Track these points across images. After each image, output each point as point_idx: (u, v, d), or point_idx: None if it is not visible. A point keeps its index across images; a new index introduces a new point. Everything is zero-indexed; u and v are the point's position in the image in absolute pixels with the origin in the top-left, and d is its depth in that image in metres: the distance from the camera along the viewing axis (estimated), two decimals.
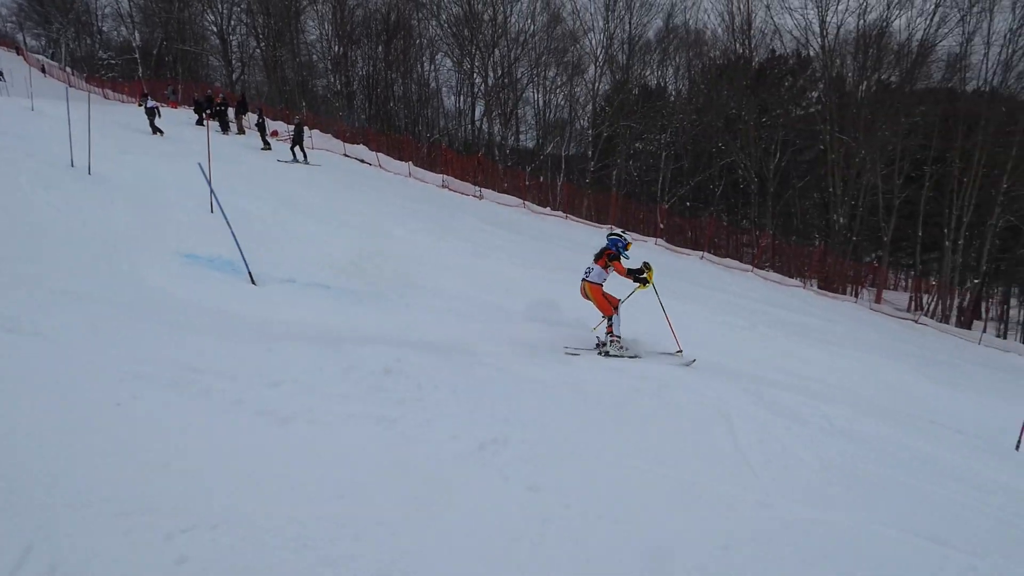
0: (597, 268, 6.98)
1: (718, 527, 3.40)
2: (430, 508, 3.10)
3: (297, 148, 18.19)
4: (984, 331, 24.41)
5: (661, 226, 25.88)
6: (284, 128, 23.21)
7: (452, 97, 35.32)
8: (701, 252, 21.28)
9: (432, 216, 15.36)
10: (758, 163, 28.50)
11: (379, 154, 23.02)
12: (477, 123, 33.01)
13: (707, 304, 13.51)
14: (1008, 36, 24.68)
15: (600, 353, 6.87)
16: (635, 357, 6.88)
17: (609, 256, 6.96)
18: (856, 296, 24.34)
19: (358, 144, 24.26)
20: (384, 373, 4.65)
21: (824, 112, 26.47)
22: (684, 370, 6.38)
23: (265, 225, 10.01)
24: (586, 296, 7.08)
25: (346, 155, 22.58)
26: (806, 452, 4.77)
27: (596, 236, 20.97)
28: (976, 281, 26.77)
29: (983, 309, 31.47)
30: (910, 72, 27.18)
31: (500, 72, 30.91)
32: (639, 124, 30.18)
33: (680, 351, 7.37)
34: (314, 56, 36.40)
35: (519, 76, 31.42)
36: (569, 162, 32.37)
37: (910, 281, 29.81)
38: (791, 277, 23.55)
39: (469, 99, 32.93)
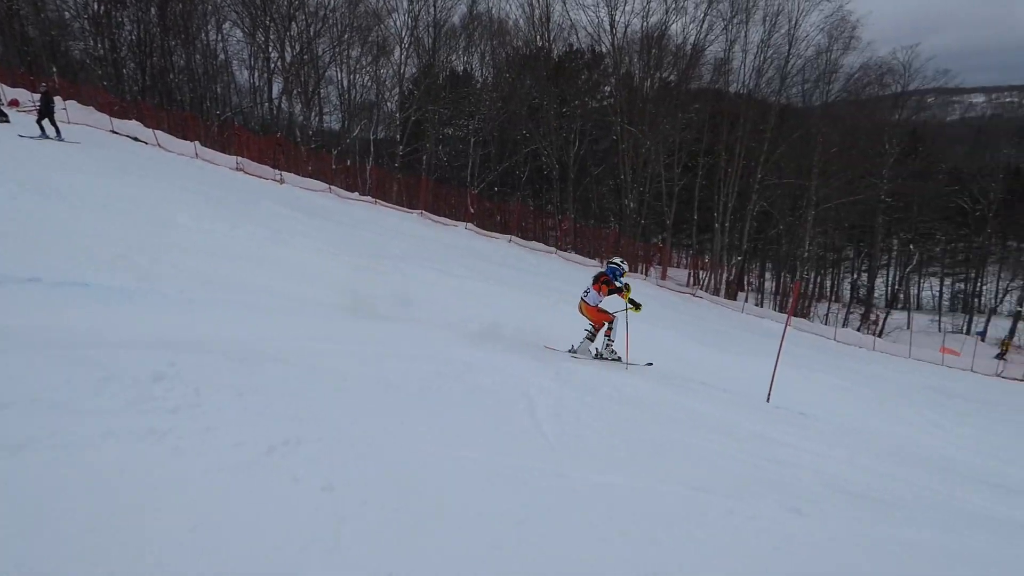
0: (593, 292, 8.09)
1: (515, 503, 3.44)
2: (206, 525, 2.74)
3: (46, 121, 15.41)
4: (746, 301, 28.46)
5: (471, 211, 26.37)
6: (28, 97, 19.58)
7: (245, 72, 32.38)
8: (509, 236, 22.02)
9: (224, 201, 13.97)
10: (559, 151, 30.18)
11: (157, 132, 20.33)
12: (275, 102, 30.67)
13: (513, 285, 14.01)
14: (759, 46, 28.77)
15: (596, 357, 8.18)
16: (617, 360, 8.21)
17: (605, 282, 8.09)
18: (646, 274, 26.98)
19: (130, 120, 21.21)
20: (153, 380, 4.05)
21: (616, 105, 28.73)
22: (488, 352, 6.48)
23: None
24: (583, 313, 8.20)
25: (115, 132, 19.67)
26: (597, 421, 5.08)
27: (407, 221, 20.80)
28: (739, 258, 31.02)
29: (745, 282, 36.68)
30: (685, 72, 30.49)
31: (298, 48, 28.98)
32: (448, 109, 30.34)
33: (650, 363, 8.57)
34: (66, 13, 31.01)
35: (320, 53, 29.76)
36: (378, 146, 31.49)
37: (688, 259, 33.77)
38: (591, 258, 25.39)
39: (265, 75, 30.42)
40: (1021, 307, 43.30)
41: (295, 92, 29.41)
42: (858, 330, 29.66)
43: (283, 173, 20.72)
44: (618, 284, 8.22)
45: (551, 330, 9.93)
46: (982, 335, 36.18)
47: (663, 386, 7.34)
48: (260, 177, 19.87)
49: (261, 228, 11.80)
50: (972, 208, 41.98)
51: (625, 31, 29.42)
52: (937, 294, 51.34)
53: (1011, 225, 48.23)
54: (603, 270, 8.40)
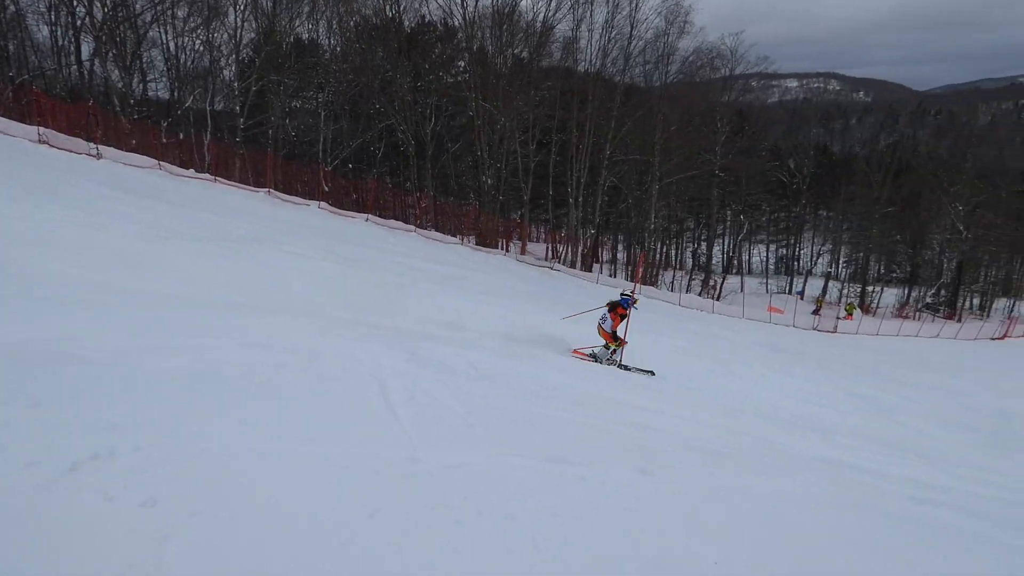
0: (610, 319, 9.95)
1: (367, 494, 3.35)
2: None
3: None
4: (600, 272, 30.02)
5: (326, 189, 25.26)
6: None
7: (45, 29, 28.04)
8: (366, 215, 21.39)
9: (24, 179, 12.17)
10: (415, 126, 29.68)
11: None
12: (87, 65, 26.91)
13: (374, 265, 13.69)
14: (604, 27, 29.99)
15: (595, 359, 9.91)
16: (612, 364, 9.85)
17: (620, 315, 9.96)
18: (506, 249, 27.49)
19: None
20: None
21: (471, 81, 28.67)
22: (338, 339, 6.27)
23: None
24: (600, 336, 10.10)
25: None
26: (453, 400, 5.12)
27: (252, 200, 19.44)
28: (593, 231, 32.53)
29: (600, 254, 38.59)
30: (537, 50, 31.09)
31: (110, 4, 25.51)
32: (293, 80, 28.60)
33: (652, 372, 9.89)
34: None
35: (139, 12, 26.50)
36: (216, 118, 28.96)
37: (546, 234, 34.84)
38: (451, 235, 25.38)
39: (71, 33, 26.55)
40: (831, 269, 49.53)
41: (110, 54, 26.03)
42: (699, 295, 32.42)
43: (100, 147, 18.46)
44: (637, 311, 10.38)
45: (413, 311, 9.84)
46: (801, 294, 41.04)
47: (522, 361, 7.55)
48: (71, 151, 17.55)
49: (74, 211, 10.43)
50: (790, 182, 47.22)
51: (476, 4, 29.37)
52: (764, 259, 57.33)
53: (821, 196, 54.91)
54: (618, 300, 10.24)
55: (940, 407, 12.83)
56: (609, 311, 10.03)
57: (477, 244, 25.08)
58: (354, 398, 4.74)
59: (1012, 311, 41.35)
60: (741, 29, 33.86)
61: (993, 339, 30.93)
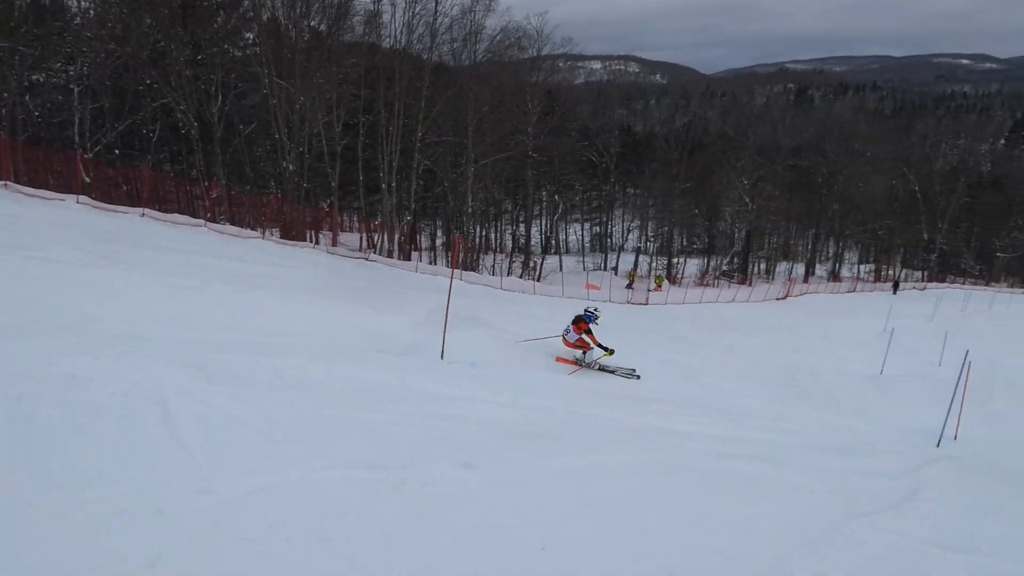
0: (572, 332, 11.47)
1: (146, 540, 2.95)
2: None
3: None
4: (420, 260, 29.90)
5: (87, 180, 22.11)
6: None
7: None
8: (142, 209, 19.06)
9: None
10: (198, 106, 27.02)
11: None
12: None
13: (154, 267, 12.21)
14: (407, 1, 29.55)
15: (578, 364, 11.61)
16: (601, 370, 11.60)
17: (584, 330, 11.38)
18: (316, 242, 26.25)
19: None
20: None
21: (262, 55, 26.68)
22: (106, 358, 5.44)
23: None
24: (566, 347, 11.67)
25: None
26: (254, 416, 4.70)
27: None
28: (409, 218, 32.22)
29: (418, 241, 38.44)
30: (336, 22, 29.78)
31: None
32: (33, 48, 24.50)
33: (636, 374, 11.73)
34: None
35: None
36: None
37: (359, 223, 33.92)
38: (250, 228, 23.64)
39: None
40: (640, 244, 54.13)
41: None
42: (520, 277, 33.67)
43: None
44: (597, 327, 11.80)
45: (204, 317, 8.95)
46: (615, 269, 44.38)
47: (335, 362, 7.20)
48: None
49: None
50: (599, 161, 50.73)
51: None
52: (580, 237, 61.07)
53: (628, 175, 59.71)
54: (581, 315, 11.76)
55: (738, 365, 14.58)
56: (572, 324, 11.58)
57: (282, 237, 23.62)
58: (128, 429, 4.13)
59: (791, 273, 48.48)
60: (545, 9, 35.05)
61: (778, 299, 35.94)
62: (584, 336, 11.48)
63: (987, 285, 54.25)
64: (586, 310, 12.05)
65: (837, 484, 5.83)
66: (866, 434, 10.11)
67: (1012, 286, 55.32)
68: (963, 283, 53.68)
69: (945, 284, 51.09)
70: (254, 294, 11.67)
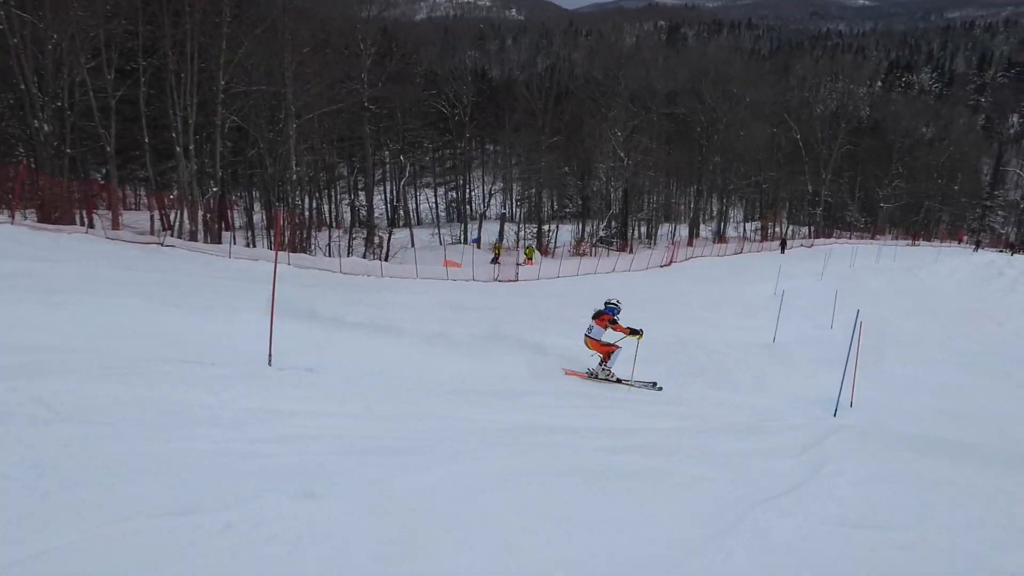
0: (596, 327, 12.04)
1: None
2: None
3: None
4: (234, 242, 28.38)
5: None
6: None
7: None
8: None
9: None
10: None
11: None
12: None
13: None
14: None
15: (590, 377, 12.02)
16: (618, 382, 11.88)
17: (610, 321, 11.97)
18: (89, 225, 24.15)
19: None
20: None
21: None
22: None
23: None
24: (588, 346, 12.17)
25: None
26: (12, 463, 4.14)
27: None
28: (216, 189, 30.44)
29: (230, 217, 36.50)
30: None
31: None
32: None
33: (659, 386, 11.98)
34: None
35: None
36: None
37: (148, 197, 31.62)
38: None
39: None
40: (505, 210, 54.89)
41: None
42: (364, 256, 33.00)
43: None
44: (616, 319, 12.08)
45: None
46: (477, 241, 44.73)
47: (124, 382, 6.60)
48: None
49: None
50: (451, 113, 50.60)
51: None
52: (434, 205, 60.94)
53: (486, 128, 60.22)
54: (602, 308, 12.28)
55: (624, 344, 15.22)
56: (594, 319, 12.06)
57: (40, 221, 21.51)
58: None
59: (674, 236, 51.39)
60: None
61: (662, 266, 37.98)
62: (611, 329, 12.01)
63: (872, 238, 61.04)
64: (607, 303, 12.55)
65: (738, 470, 6.21)
66: (764, 410, 10.92)
67: (896, 237, 62.99)
68: (849, 237, 59.93)
69: (832, 240, 56.66)
70: (4, 299, 10.53)
